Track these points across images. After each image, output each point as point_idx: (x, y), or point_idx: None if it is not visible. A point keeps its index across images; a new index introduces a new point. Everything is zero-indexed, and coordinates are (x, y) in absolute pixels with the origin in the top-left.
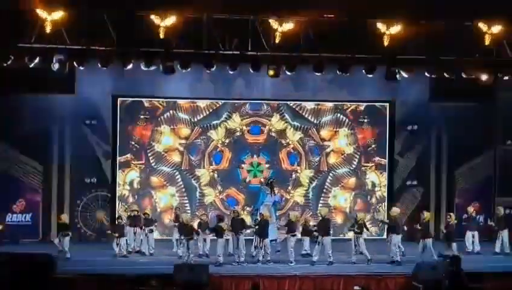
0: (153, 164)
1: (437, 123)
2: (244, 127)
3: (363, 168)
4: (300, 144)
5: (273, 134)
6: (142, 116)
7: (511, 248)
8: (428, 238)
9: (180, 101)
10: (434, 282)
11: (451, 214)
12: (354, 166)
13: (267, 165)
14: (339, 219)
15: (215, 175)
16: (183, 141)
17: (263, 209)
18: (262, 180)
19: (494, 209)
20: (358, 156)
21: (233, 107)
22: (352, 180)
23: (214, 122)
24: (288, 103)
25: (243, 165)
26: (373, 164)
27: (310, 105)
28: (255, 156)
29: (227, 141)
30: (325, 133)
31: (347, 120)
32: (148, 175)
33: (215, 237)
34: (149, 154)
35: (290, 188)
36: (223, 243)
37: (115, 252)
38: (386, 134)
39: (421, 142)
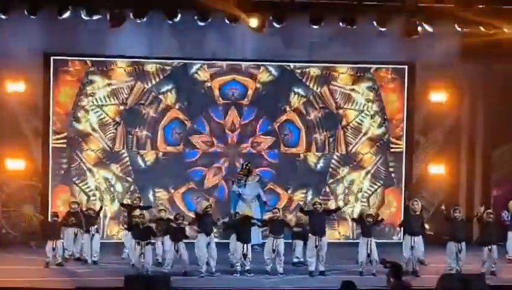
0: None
1: (470, 91)
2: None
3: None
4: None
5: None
6: (86, 84)
7: None
8: (459, 241)
9: (130, 62)
10: None
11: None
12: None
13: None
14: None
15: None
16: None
17: (242, 206)
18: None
19: None
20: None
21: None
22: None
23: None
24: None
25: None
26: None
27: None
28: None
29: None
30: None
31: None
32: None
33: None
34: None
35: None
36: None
37: (48, 259)
38: (404, 106)
39: (449, 117)
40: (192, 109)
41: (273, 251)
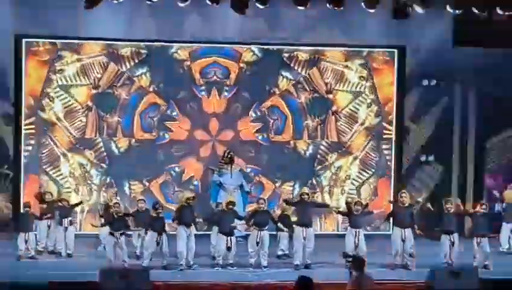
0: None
1: (463, 77)
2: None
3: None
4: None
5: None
6: (57, 67)
7: None
8: (451, 233)
9: (104, 44)
10: None
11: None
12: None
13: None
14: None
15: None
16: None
17: (223, 196)
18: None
19: None
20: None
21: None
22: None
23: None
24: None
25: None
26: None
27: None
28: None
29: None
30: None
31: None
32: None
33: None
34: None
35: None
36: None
37: (20, 252)
38: (393, 92)
39: (440, 103)
40: (169, 92)
41: (257, 243)
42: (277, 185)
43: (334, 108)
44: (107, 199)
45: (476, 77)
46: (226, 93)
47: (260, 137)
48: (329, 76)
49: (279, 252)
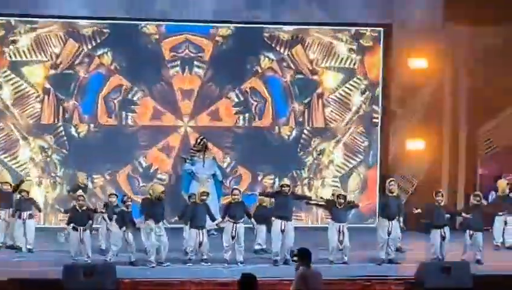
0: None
1: (454, 57)
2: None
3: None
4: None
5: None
6: (9, 38)
7: None
8: (442, 227)
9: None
10: None
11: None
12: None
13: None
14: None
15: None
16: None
17: (196, 186)
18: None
19: None
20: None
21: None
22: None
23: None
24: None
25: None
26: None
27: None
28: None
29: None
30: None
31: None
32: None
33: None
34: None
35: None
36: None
37: None
38: (379, 74)
39: (430, 85)
40: (136, 73)
41: (232, 237)
42: (257, 175)
43: (319, 90)
44: (78, 181)
45: (469, 57)
46: (200, 73)
47: (238, 122)
48: (315, 50)
49: (256, 247)
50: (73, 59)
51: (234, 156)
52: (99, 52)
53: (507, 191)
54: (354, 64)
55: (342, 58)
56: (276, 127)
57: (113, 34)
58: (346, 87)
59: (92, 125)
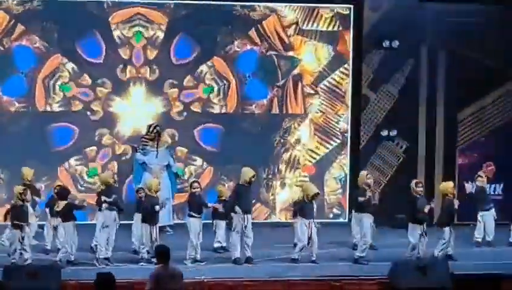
0: None
1: (430, 38)
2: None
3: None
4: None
5: None
6: None
7: None
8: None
9: None
10: None
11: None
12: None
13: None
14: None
15: None
16: None
17: (148, 178)
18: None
19: None
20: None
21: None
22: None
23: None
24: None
25: None
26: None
27: None
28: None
29: None
30: None
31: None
32: None
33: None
34: None
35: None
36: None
37: None
38: (349, 55)
39: (404, 68)
40: (77, 52)
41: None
42: (219, 168)
43: (296, 71)
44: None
45: (446, 38)
46: (154, 51)
47: (198, 107)
48: (298, 11)
49: (216, 245)
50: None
51: (190, 145)
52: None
53: (485, 183)
54: (339, 27)
55: (327, 20)
56: (241, 112)
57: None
58: (336, 74)
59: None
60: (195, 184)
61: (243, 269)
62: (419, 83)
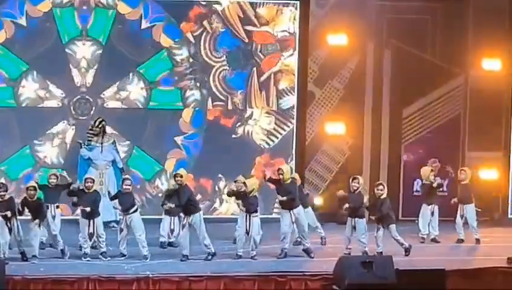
0: None
1: (376, 32)
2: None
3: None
4: None
5: None
6: None
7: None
8: (359, 217)
9: None
10: (367, 287)
11: (382, 183)
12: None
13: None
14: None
15: None
16: None
17: (93, 174)
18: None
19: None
20: None
21: None
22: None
23: None
24: None
25: None
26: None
27: None
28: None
29: None
30: None
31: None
32: None
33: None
34: None
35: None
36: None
37: None
38: (295, 52)
39: (349, 63)
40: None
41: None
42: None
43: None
44: None
45: (393, 34)
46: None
47: (141, 102)
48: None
49: (162, 240)
50: None
51: (133, 141)
52: None
53: (432, 178)
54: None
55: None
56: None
57: None
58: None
59: None
60: (127, 181)
61: (189, 265)
62: (365, 78)
